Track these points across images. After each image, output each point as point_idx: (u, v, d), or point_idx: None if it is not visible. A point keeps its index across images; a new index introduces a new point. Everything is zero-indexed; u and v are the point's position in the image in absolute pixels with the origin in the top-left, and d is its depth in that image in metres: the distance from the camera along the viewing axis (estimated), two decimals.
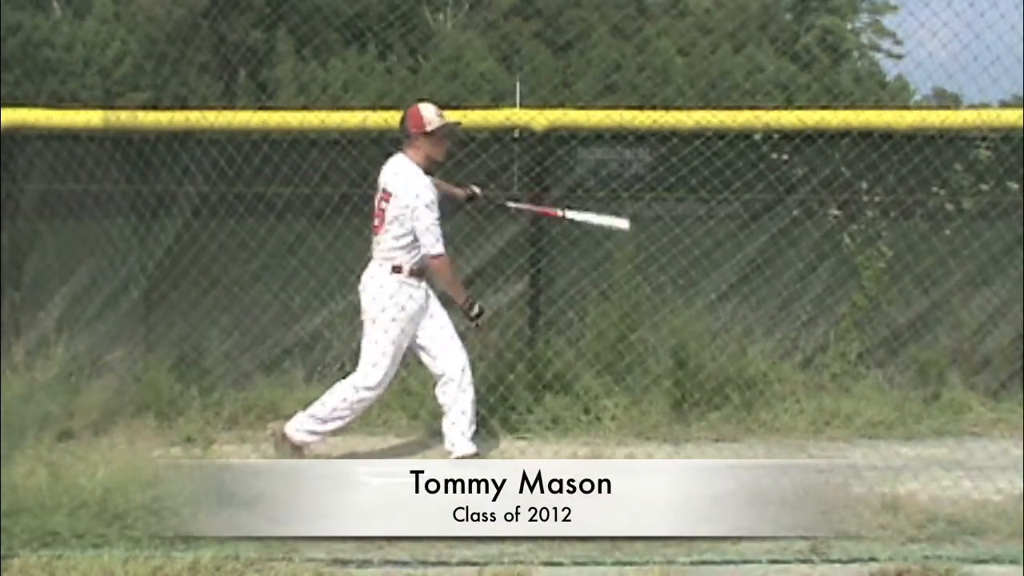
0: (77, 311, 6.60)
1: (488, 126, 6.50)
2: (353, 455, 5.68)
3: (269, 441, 5.50)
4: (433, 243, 5.26)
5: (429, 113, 5.40)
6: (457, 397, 5.37)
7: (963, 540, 4.47)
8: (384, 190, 5.38)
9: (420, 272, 5.37)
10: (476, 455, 5.43)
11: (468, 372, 5.41)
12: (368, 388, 5.36)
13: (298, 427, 5.42)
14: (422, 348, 5.45)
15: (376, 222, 5.40)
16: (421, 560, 4.23)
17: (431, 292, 5.48)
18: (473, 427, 5.40)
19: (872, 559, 4.21)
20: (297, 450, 5.43)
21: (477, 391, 5.97)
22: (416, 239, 5.30)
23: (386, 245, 5.35)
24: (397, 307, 5.30)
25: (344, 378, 5.46)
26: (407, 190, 5.29)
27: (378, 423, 6.14)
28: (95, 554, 4.01)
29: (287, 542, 4.36)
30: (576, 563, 4.24)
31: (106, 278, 6.61)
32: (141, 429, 5.95)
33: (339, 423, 5.43)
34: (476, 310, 5.35)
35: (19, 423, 5.54)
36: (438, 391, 5.42)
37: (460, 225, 6.51)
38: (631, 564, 4.22)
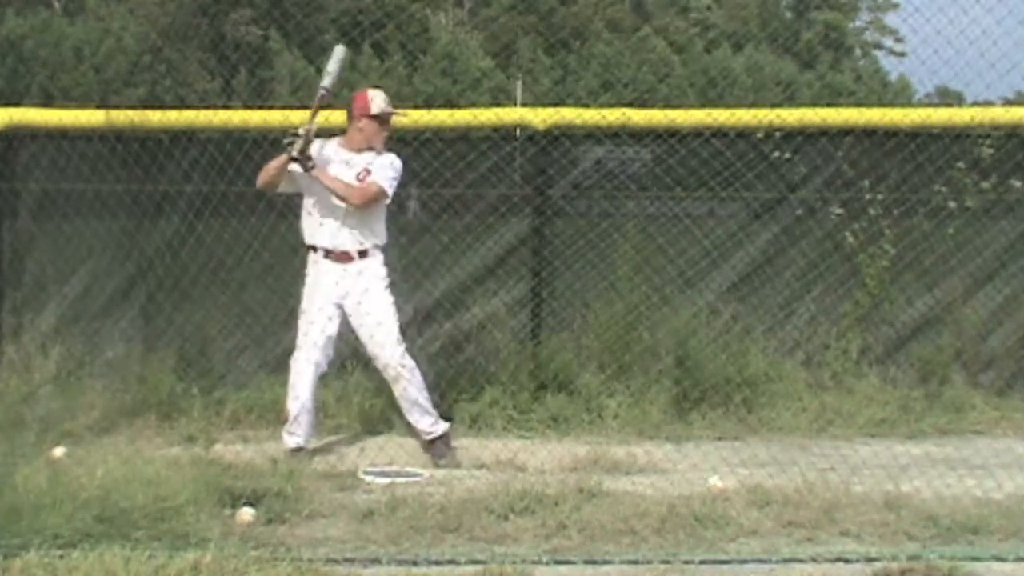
0: (78, 311, 6.60)
1: (495, 125, 6.53)
2: (354, 455, 5.67)
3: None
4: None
5: (377, 99, 5.56)
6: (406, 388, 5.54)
7: (966, 538, 4.46)
8: None
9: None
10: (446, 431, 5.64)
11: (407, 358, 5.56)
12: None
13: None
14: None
15: None
16: (424, 559, 4.22)
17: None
18: (429, 403, 5.59)
19: (874, 558, 4.20)
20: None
21: (479, 389, 6.01)
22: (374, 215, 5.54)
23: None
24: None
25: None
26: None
27: (379, 422, 6.13)
28: (96, 554, 4.00)
29: (288, 542, 4.35)
30: (578, 562, 4.23)
31: (107, 278, 6.61)
32: (142, 428, 5.96)
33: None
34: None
35: (19, 423, 5.55)
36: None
37: (462, 229, 6.52)
38: (633, 563, 4.21)
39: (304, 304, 5.61)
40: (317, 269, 5.59)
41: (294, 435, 5.57)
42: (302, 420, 5.56)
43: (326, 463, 5.47)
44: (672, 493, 4.84)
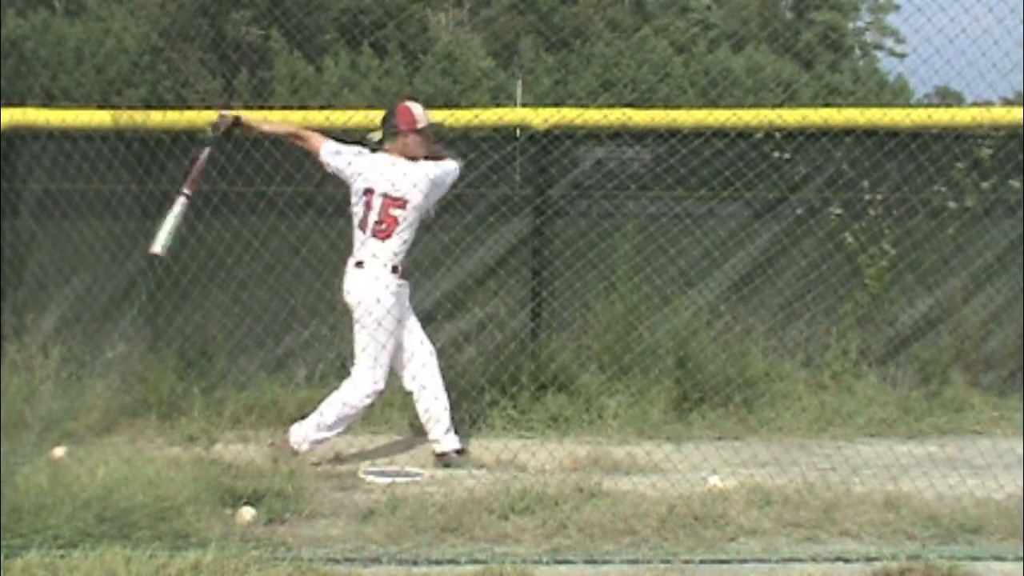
0: (79, 311, 6.61)
1: (496, 124, 6.55)
2: (354, 455, 5.68)
3: (268, 452, 5.50)
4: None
5: (419, 111, 5.57)
6: (429, 404, 5.50)
7: (965, 538, 4.47)
8: (391, 196, 5.43)
9: (407, 271, 5.54)
10: (461, 451, 5.55)
11: (436, 371, 5.53)
12: (369, 394, 5.44)
13: (304, 437, 5.46)
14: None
15: (383, 227, 5.43)
16: (424, 559, 4.23)
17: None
18: (449, 421, 5.53)
19: (874, 558, 4.20)
20: (296, 455, 5.46)
21: (479, 389, 6.00)
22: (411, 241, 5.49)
23: (391, 249, 5.43)
24: (385, 309, 5.38)
25: (343, 381, 5.50)
26: (420, 185, 5.44)
27: (379, 422, 6.14)
28: (97, 554, 4.01)
29: (288, 542, 4.36)
30: (578, 562, 4.23)
31: (108, 277, 6.62)
32: (143, 428, 5.97)
33: (343, 427, 5.49)
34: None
35: (20, 423, 5.55)
36: (411, 388, 5.56)
37: (463, 229, 6.53)
38: (633, 563, 4.21)
39: (383, 338, 5.45)
40: (402, 296, 5.55)
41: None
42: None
43: (326, 463, 5.47)
44: (672, 493, 4.84)
